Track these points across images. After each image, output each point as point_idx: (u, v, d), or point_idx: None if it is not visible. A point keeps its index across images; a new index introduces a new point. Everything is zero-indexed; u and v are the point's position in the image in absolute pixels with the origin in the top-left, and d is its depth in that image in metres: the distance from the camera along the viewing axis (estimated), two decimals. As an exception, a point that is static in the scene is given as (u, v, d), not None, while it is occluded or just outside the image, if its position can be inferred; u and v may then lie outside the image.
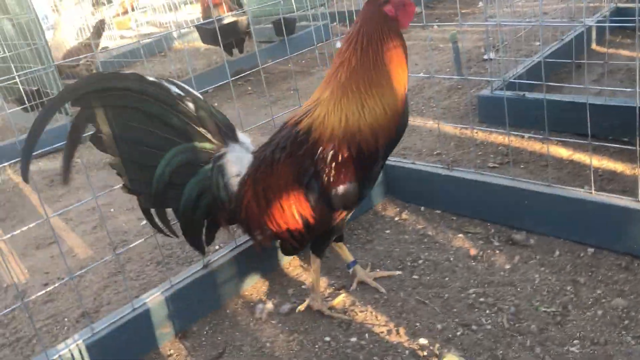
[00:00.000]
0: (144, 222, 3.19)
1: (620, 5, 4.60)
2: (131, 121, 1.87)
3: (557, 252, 2.29)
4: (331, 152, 1.88)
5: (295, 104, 2.88)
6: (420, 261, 2.40)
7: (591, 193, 2.24)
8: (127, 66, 6.98)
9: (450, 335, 1.98)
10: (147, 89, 1.86)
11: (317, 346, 2.05)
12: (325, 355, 2.00)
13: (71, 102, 1.82)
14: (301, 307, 2.22)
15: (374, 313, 2.16)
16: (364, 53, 1.86)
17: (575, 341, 1.87)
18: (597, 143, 2.42)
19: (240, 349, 2.12)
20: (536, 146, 3.13)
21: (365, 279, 2.31)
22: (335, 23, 6.31)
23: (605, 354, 1.80)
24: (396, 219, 2.75)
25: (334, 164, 1.88)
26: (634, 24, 2.39)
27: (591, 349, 1.82)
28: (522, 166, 2.95)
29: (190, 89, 1.97)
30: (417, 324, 2.06)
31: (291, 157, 1.93)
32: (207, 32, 6.03)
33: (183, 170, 1.94)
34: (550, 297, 2.08)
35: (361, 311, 2.18)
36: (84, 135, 1.87)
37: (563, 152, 3.01)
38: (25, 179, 1.72)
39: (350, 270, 2.34)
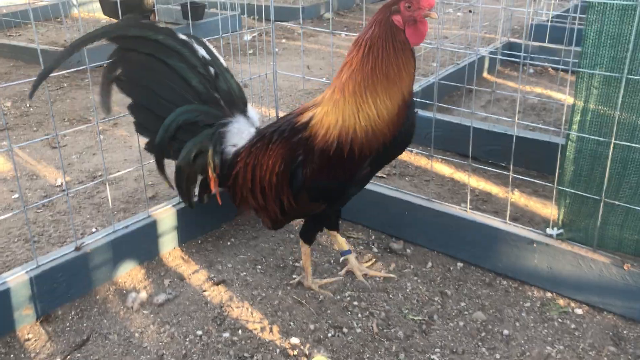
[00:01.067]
0: (16, 195, 2.98)
1: (512, 40, 4.95)
2: (154, 71, 2.02)
3: (430, 264, 2.41)
4: (321, 146, 1.91)
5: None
6: (302, 261, 2.43)
7: (466, 211, 2.39)
8: (17, 27, 6.48)
9: (321, 336, 2.02)
10: (174, 45, 2.01)
11: (188, 339, 2.01)
12: (195, 349, 1.97)
13: (108, 39, 1.97)
14: (293, 282, 2.30)
15: (250, 310, 2.15)
16: (364, 57, 1.84)
17: (436, 349, 1.98)
18: (476, 165, 2.58)
19: (106, 337, 2.03)
20: (422, 161, 3.28)
21: (355, 271, 2.35)
22: (245, 15, 6.25)
23: (462, 362, 1.92)
24: (283, 218, 2.76)
25: (321, 158, 1.92)
26: (519, 60, 2.58)
27: (450, 358, 1.94)
28: (407, 179, 3.09)
29: (218, 56, 2.12)
30: (291, 323, 2.09)
31: (286, 142, 1.99)
32: (109, 4, 5.74)
33: (188, 128, 2.07)
34: (419, 305, 2.19)
35: (237, 307, 2.17)
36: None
37: (446, 170, 3.18)
38: (31, 96, 1.86)
39: (342, 259, 2.41)
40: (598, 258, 2.09)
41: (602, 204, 2.04)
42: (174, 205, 2.50)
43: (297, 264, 2.42)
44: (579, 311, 2.13)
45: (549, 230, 2.21)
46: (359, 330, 2.05)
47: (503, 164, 3.13)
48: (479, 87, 4.24)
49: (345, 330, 2.05)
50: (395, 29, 1.84)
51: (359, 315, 2.13)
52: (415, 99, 3.51)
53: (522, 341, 2.00)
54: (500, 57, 4.63)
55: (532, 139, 3.08)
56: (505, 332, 2.05)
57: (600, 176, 2.03)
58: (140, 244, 2.37)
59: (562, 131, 2.29)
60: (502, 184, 3.00)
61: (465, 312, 2.15)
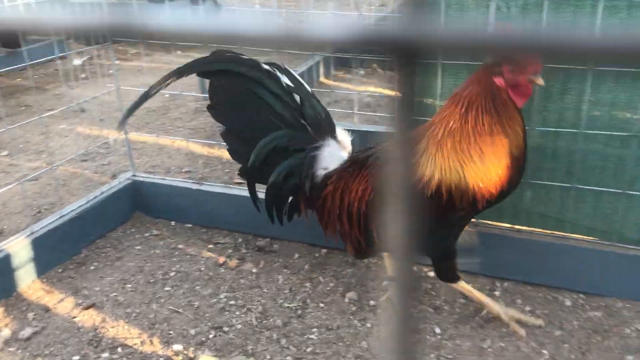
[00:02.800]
0: None
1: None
2: (243, 101, 2.12)
3: (297, 255, 2.55)
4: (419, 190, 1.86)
5: (30, 118, 2.68)
6: (172, 274, 2.44)
7: (323, 201, 2.56)
8: None
9: (203, 339, 2.06)
10: (259, 77, 2.09)
11: (64, 367, 1.94)
12: (73, 375, 1.91)
13: (197, 74, 2.17)
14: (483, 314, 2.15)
15: (126, 327, 2.12)
16: (462, 116, 1.82)
17: (314, 329, 2.11)
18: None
19: (-31, 384, 1.89)
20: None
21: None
22: (71, 40, 5.97)
23: (338, 336, 2.07)
24: (146, 234, 2.74)
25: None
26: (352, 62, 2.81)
27: (326, 334, 2.09)
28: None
29: (302, 81, 2.16)
30: (171, 332, 2.10)
31: (380, 170, 1.95)
32: None
33: (279, 153, 2.13)
34: (292, 294, 2.31)
35: (112, 327, 2.13)
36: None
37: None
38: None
39: (386, 284, 2.35)
40: (440, 224, 2.37)
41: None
42: (27, 236, 2.37)
43: (167, 277, 2.42)
44: (431, 274, 2.40)
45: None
46: (239, 327, 2.13)
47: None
48: (317, 91, 4.51)
49: (225, 329, 2.11)
50: (496, 89, 1.81)
51: (237, 313, 2.20)
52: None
53: (389, 306, 2.21)
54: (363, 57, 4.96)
55: (372, 131, 3.36)
56: (372, 302, 2.25)
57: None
58: (-6, 282, 2.22)
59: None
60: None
61: (336, 292, 2.31)
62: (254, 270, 2.46)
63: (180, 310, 2.21)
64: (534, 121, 2.12)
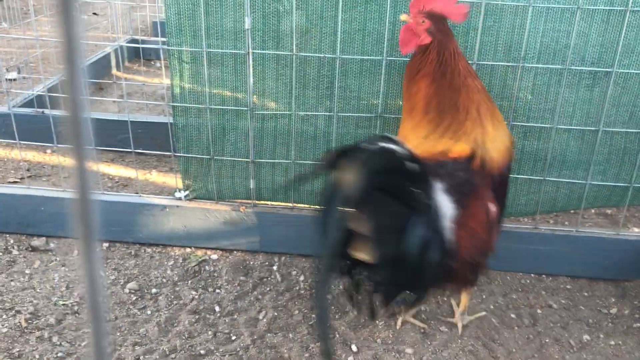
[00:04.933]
0: None
1: (135, 37, 5.17)
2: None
3: (76, 252, 2.47)
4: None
5: None
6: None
7: (102, 194, 2.51)
8: None
9: (-38, 348, 1.91)
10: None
11: None
12: None
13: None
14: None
15: None
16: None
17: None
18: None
19: None
20: (57, 160, 3.26)
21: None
22: None
23: (115, 326, 2.06)
24: None
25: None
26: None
27: (112, 324, 2.05)
28: (44, 179, 3.04)
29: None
30: None
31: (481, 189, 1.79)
32: None
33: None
34: (69, 291, 2.23)
35: None
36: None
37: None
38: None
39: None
40: (220, 208, 2.46)
41: (212, 161, 2.40)
42: None
43: None
44: (214, 257, 2.48)
45: (177, 194, 2.50)
46: (5, 330, 2.01)
47: (140, 150, 3.32)
48: (108, 83, 4.35)
49: (-11, 334, 1.98)
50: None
51: (4, 316, 2.07)
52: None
53: (170, 293, 2.24)
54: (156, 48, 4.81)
55: (160, 122, 3.34)
56: (154, 290, 2.26)
57: (206, 138, 2.38)
58: None
59: (167, 104, 2.58)
60: (141, 167, 3.19)
61: (116, 284, 2.28)
62: (27, 272, 2.33)
63: None
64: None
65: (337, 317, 2.17)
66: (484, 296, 2.30)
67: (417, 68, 1.83)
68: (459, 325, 2.12)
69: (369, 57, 2.21)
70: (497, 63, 2.17)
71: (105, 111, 3.85)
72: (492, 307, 2.25)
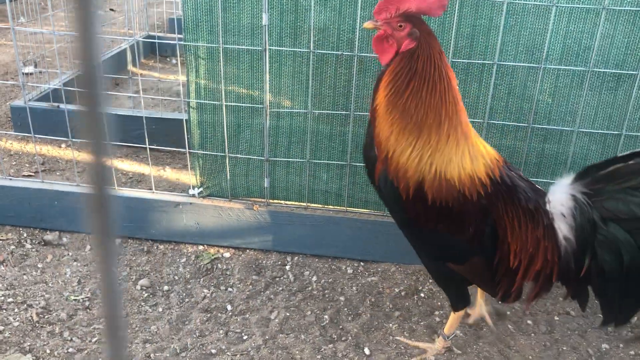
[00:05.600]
0: None
1: (151, 33, 5.17)
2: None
3: (89, 247, 2.46)
4: None
5: None
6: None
7: (115, 189, 2.50)
8: None
9: (-27, 341, 1.91)
10: None
11: None
12: None
13: None
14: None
15: None
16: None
17: (101, 319, 2.06)
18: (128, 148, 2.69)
19: None
20: (71, 154, 3.25)
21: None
22: None
23: (126, 323, 2.04)
24: None
25: None
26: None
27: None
28: (58, 174, 3.03)
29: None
30: None
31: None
32: None
33: None
34: (80, 286, 2.22)
35: None
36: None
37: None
38: None
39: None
40: (233, 206, 2.43)
41: (227, 159, 2.38)
42: None
43: None
44: (227, 255, 2.45)
45: (190, 191, 2.48)
46: (16, 324, 2.00)
47: (154, 146, 3.31)
48: (125, 79, 4.35)
49: (0, 327, 1.98)
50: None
51: (15, 310, 2.07)
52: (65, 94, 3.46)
53: (182, 290, 2.22)
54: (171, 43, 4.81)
55: (174, 119, 3.33)
56: (166, 287, 2.24)
57: (221, 136, 2.36)
58: None
59: (183, 100, 2.56)
60: (154, 163, 3.18)
61: (128, 280, 2.27)
62: (40, 266, 2.32)
63: (-53, 314, 2.03)
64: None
65: (349, 319, 2.13)
66: (499, 302, 2.26)
67: (407, 78, 1.60)
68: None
69: (387, 56, 2.17)
70: (518, 64, 2.12)
71: (120, 106, 3.84)
72: (508, 312, 2.20)
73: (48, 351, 1.90)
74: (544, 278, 1.67)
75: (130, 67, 4.78)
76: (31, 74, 4.42)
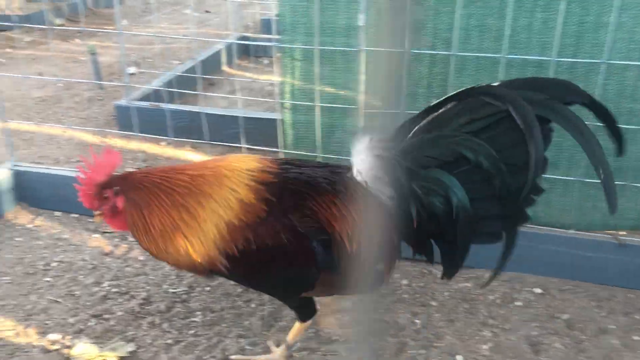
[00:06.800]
0: None
1: (245, 34, 5.31)
2: None
3: (186, 241, 2.55)
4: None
5: None
6: (54, 264, 2.38)
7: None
8: None
9: (82, 327, 2.03)
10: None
11: None
12: (-61, 371, 1.83)
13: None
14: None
15: (-1, 320, 2.06)
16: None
17: (197, 312, 2.13)
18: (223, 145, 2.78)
19: None
20: (170, 152, 3.40)
21: None
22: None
23: (221, 318, 2.10)
24: (29, 225, 2.65)
25: None
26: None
27: (210, 317, 2.11)
28: (158, 170, 3.17)
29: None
30: (48, 322, 2.05)
31: None
32: None
33: None
34: (178, 280, 2.31)
35: (-16, 320, 2.06)
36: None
37: (194, 156, 3.35)
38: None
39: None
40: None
41: (319, 159, 2.39)
42: None
43: (48, 267, 2.36)
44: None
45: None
46: (120, 314, 2.11)
47: (248, 145, 3.40)
48: (219, 79, 4.50)
49: (106, 316, 2.09)
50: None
51: (119, 300, 2.18)
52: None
53: (272, 288, 2.26)
54: (257, 45, 4.95)
55: (268, 119, 3.40)
56: (258, 284, 2.29)
57: (314, 136, 2.37)
58: None
59: (278, 101, 2.60)
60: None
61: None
62: (141, 258, 2.44)
63: (59, 300, 2.17)
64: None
65: (443, 325, 2.09)
66: (602, 314, 2.13)
67: (142, 216, 1.67)
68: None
69: (485, 55, 2.10)
70: (632, 63, 1.98)
71: (215, 106, 3.97)
72: (613, 326, 2.07)
73: (149, 341, 1.99)
74: (388, 246, 1.64)
75: (224, 67, 4.93)
76: (133, 74, 4.67)
